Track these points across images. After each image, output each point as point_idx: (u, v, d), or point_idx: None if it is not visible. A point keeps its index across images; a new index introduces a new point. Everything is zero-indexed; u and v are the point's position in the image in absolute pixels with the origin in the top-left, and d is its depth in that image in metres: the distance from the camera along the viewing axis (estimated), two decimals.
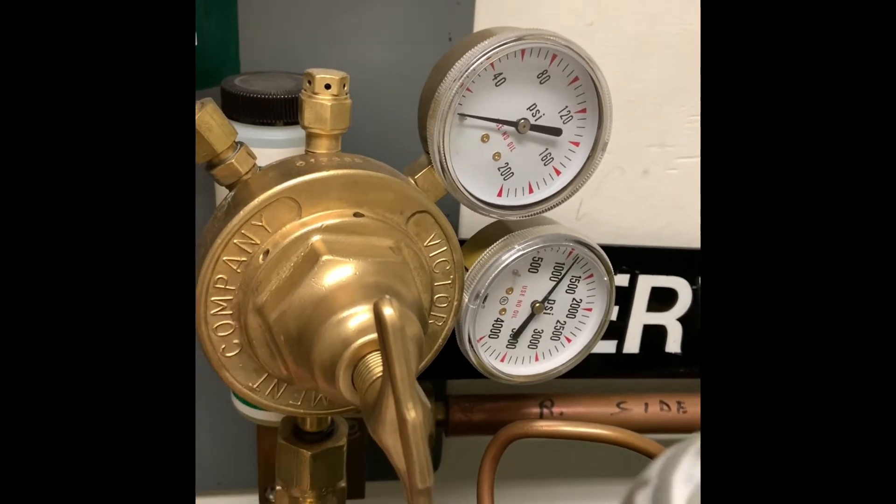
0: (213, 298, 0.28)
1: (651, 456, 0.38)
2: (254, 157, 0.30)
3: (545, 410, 0.47)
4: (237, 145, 0.29)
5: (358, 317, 0.26)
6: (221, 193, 0.36)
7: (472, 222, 0.39)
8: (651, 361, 0.48)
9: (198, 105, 0.28)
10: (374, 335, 0.25)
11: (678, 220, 0.49)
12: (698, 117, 0.47)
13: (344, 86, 0.30)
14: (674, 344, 0.48)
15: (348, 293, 0.26)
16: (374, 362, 0.25)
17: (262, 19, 0.39)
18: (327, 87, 0.29)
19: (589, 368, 0.47)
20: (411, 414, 0.21)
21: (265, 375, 0.30)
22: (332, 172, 0.28)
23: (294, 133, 0.34)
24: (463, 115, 0.32)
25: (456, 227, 0.46)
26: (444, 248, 0.32)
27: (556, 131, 0.33)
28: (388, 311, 0.21)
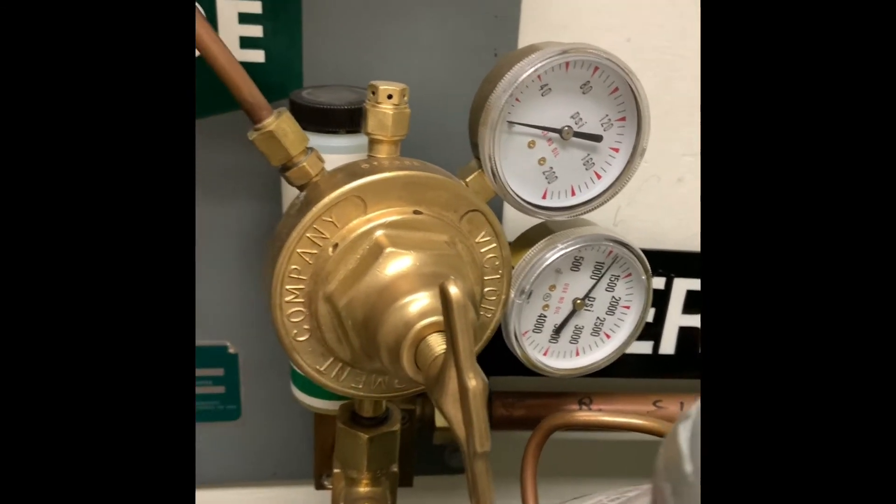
0: (287, 287, 0.31)
1: None
2: (322, 161, 0.33)
3: (584, 408, 0.49)
4: (308, 150, 0.33)
5: (418, 302, 0.28)
6: (287, 200, 0.40)
7: (515, 225, 0.41)
8: (686, 362, 0.50)
9: (275, 114, 0.31)
10: (435, 318, 0.27)
11: None
12: None
13: (404, 96, 0.33)
14: None
15: (409, 281, 0.29)
16: (435, 342, 0.27)
17: (323, 38, 0.42)
18: (389, 97, 0.32)
19: (626, 368, 0.49)
20: (472, 382, 0.24)
21: (331, 359, 0.33)
22: (393, 174, 0.31)
23: (355, 140, 0.37)
24: (511, 123, 0.34)
25: None
26: (494, 244, 0.35)
27: (598, 138, 0.36)
28: (454, 290, 0.23)
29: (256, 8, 0.40)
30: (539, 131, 0.35)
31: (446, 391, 0.25)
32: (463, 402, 0.24)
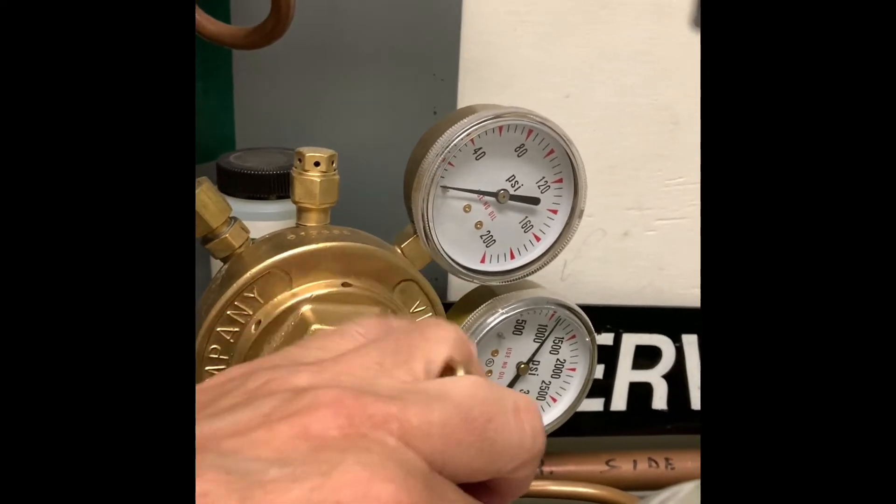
0: (206, 368, 0.29)
1: None
2: (247, 232, 0.32)
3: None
4: (231, 220, 0.31)
5: None
6: (217, 265, 0.38)
7: (460, 285, 0.40)
8: (638, 419, 0.49)
9: (196, 184, 0.30)
10: None
11: (659, 280, 0.51)
12: (674, 181, 0.49)
13: (332, 162, 0.32)
14: (660, 401, 0.49)
15: None
16: None
17: (257, 98, 0.41)
18: (316, 164, 0.31)
19: (578, 427, 0.48)
20: None
21: None
22: (321, 245, 0.30)
23: (286, 206, 0.36)
24: (445, 188, 0.34)
25: (445, 289, 0.47)
26: (430, 314, 0.34)
27: (535, 200, 0.35)
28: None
29: None
30: (475, 195, 0.34)
31: None
32: None
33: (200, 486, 0.13)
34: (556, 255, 0.36)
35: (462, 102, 0.44)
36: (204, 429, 0.15)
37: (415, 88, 0.43)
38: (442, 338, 0.19)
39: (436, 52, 0.43)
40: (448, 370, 0.18)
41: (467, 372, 0.18)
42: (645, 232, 0.49)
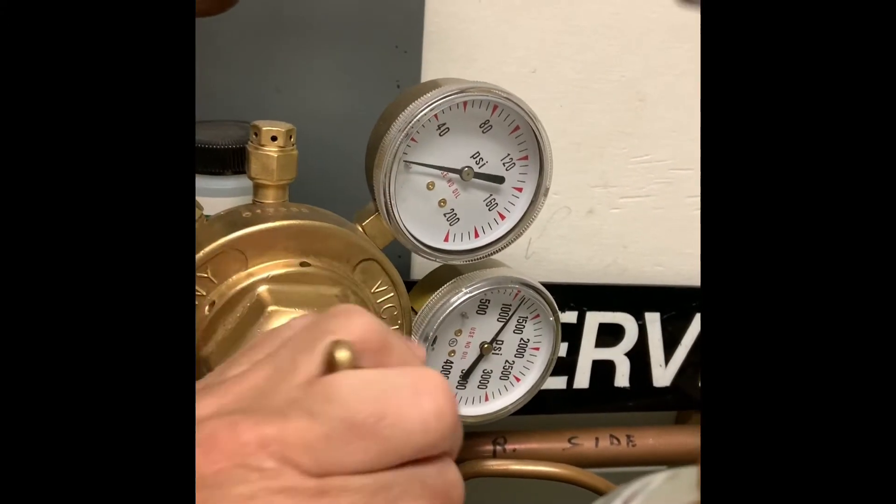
0: None
1: (599, 492, 0.39)
2: (200, 209, 0.30)
3: (498, 448, 0.47)
4: None
5: None
6: None
7: (424, 263, 0.40)
8: (601, 396, 0.49)
9: None
10: None
11: (623, 258, 0.51)
12: (640, 158, 0.48)
13: (290, 137, 0.31)
14: (622, 378, 0.49)
15: None
16: None
17: (210, 67, 0.39)
18: (273, 138, 0.30)
19: (541, 405, 0.48)
20: None
21: None
22: (278, 223, 0.29)
23: (243, 182, 0.35)
24: (408, 164, 0.33)
25: (408, 268, 0.46)
26: (392, 293, 0.33)
27: (499, 179, 0.34)
28: (342, 355, 0.21)
29: None
30: (438, 172, 0.33)
31: None
32: None
33: None
34: (521, 233, 0.36)
35: (426, 76, 0.43)
36: None
37: (377, 60, 0.42)
38: (344, 327, 0.18)
39: (399, 23, 0.41)
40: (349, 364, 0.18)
41: (377, 362, 0.18)
42: (610, 210, 0.49)
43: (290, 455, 0.16)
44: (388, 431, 0.17)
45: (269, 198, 0.31)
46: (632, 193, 0.49)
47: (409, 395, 0.17)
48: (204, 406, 0.17)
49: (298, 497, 0.15)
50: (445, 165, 0.33)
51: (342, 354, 0.17)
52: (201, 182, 0.34)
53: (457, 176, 0.34)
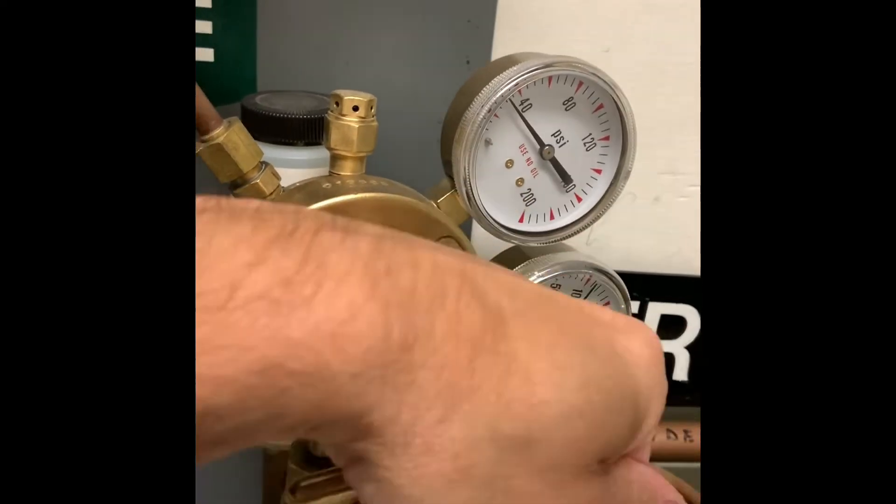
0: None
1: None
2: (278, 178, 0.29)
3: None
4: (262, 165, 0.29)
5: None
6: None
7: (482, 245, 0.38)
8: None
9: (225, 123, 0.28)
10: None
11: (688, 248, 0.49)
12: None
13: (371, 108, 0.30)
14: (681, 372, 0.48)
15: None
16: None
17: (280, 38, 0.38)
18: (355, 108, 0.29)
19: None
20: None
21: None
22: (359, 196, 0.28)
23: (314, 153, 0.34)
24: (489, 141, 0.31)
25: None
26: None
27: (568, 178, 0.33)
28: None
29: (206, 1, 0.36)
30: (517, 149, 0.32)
31: None
32: None
33: None
34: (599, 217, 0.35)
35: (497, 53, 0.42)
36: None
37: (447, 35, 0.41)
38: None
39: None
40: None
41: None
42: (676, 198, 0.48)
43: None
44: None
45: (347, 170, 0.30)
46: (700, 182, 0.47)
47: None
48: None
49: None
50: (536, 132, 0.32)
51: None
52: (273, 152, 0.33)
53: (537, 155, 0.32)
